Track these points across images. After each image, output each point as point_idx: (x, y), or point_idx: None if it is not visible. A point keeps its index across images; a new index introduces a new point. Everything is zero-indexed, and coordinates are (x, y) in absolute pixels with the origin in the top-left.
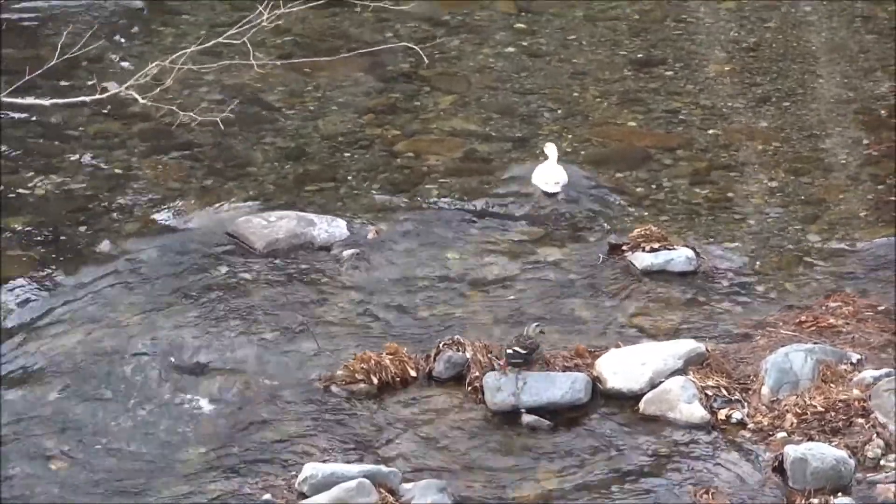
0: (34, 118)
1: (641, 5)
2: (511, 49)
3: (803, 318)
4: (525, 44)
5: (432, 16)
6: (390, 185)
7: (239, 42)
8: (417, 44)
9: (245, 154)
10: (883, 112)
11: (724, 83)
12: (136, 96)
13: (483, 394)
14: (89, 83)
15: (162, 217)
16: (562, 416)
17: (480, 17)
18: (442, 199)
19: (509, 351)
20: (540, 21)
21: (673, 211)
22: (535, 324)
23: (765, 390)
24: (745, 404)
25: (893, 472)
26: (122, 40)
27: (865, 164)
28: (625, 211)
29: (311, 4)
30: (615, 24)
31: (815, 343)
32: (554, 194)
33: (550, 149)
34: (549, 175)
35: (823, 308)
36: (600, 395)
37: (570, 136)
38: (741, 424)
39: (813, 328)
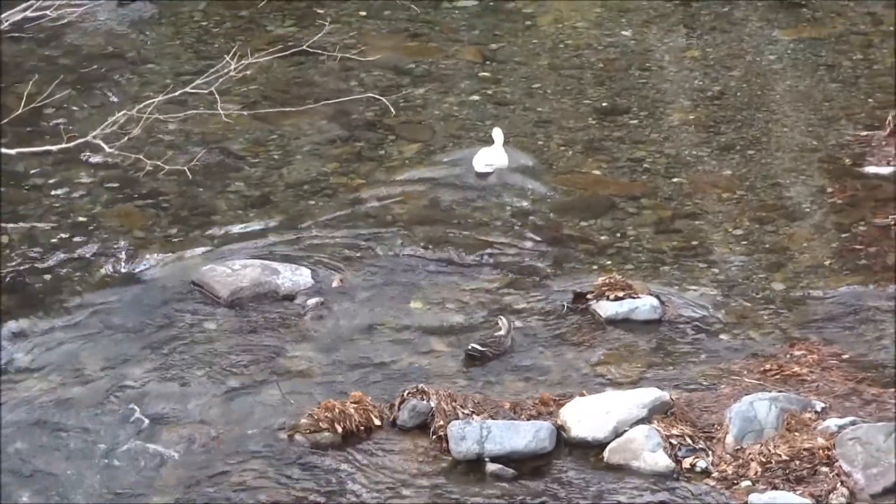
0: None
1: (606, 54)
2: (476, 97)
3: (768, 366)
4: (490, 92)
5: (397, 64)
6: (355, 234)
7: (206, 91)
8: (382, 93)
9: (210, 202)
10: (847, 160)
11: (689, 132)
12: (103, 145)
13: (447, 442)
14: (55, 132)
15: (126, 266)
16: (526, 464)
17: (445, 65)
18: (406, 248)
19: (468, 347)
20: (505, 69)
21: (637, 259)
22: (503, 319)
23: (729, 439)
24: (710, 453)
25: None
26: (87, 89)
27: (830, 212)
28: (589, 259)
29: (276, 56)
30: (580, 72)
31: (779, 391)
32: (485, 175)
33: (497, 133)
34: (487, 157)
35: (788, 356)
36: (565, 444)
37: (533, 185)
38: (706, 473)
39: (777, 376)
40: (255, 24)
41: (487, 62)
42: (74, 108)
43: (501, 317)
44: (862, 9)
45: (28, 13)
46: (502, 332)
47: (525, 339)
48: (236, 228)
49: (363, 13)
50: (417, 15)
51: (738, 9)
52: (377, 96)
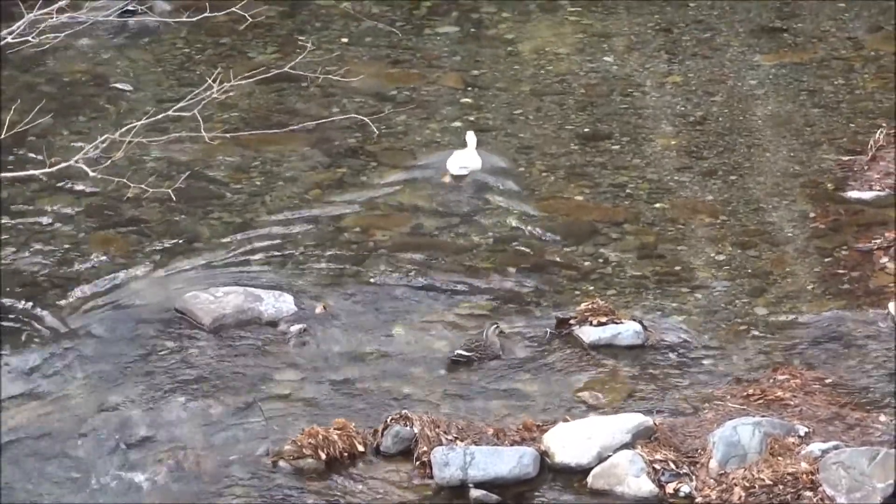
0: None
1: (588, 80)
2: (458, 123)
3: (751, 391)
4: (472, 118)
5: (379, 91)
6: (337, 260)
7: (187, 116)
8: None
9: (192, 229)
10: (829, 185)
11: (671, 157)
12: (87, 169)
13: (431, 468)
14: (38, 159)
15: (109, 293)
16: (510, 490)
17: (427, 91)
18: (389, 274)
19: (454, 353)
20: (486, 95)
21: (620, 285)
22: (493, 325)
23: (713, 464)
24: (694, 478)
25: None
26: (69, 116)
27: (812, 237)
28: (572, 285)
29: (258, 78)
30: (561, 98)
31: (762, 416)
32: (461, 177)
33: (470, 137)
34: (461, 160)
35: (771, 381)
36: (548, 470)
37: (516, 211)
38: (689, 498)
39: (761, 401)
40: (237, 51)
41: (469, 88)
42: (57, 135)
43: (489, 322)
44: (843, 34)
45: (10, 39)
46: (489, 337)
47: (509, 364)
48: (219, 255)
49: (345, 40)
50: (399, 41)
51: (720, 34)
52: (361, 117)
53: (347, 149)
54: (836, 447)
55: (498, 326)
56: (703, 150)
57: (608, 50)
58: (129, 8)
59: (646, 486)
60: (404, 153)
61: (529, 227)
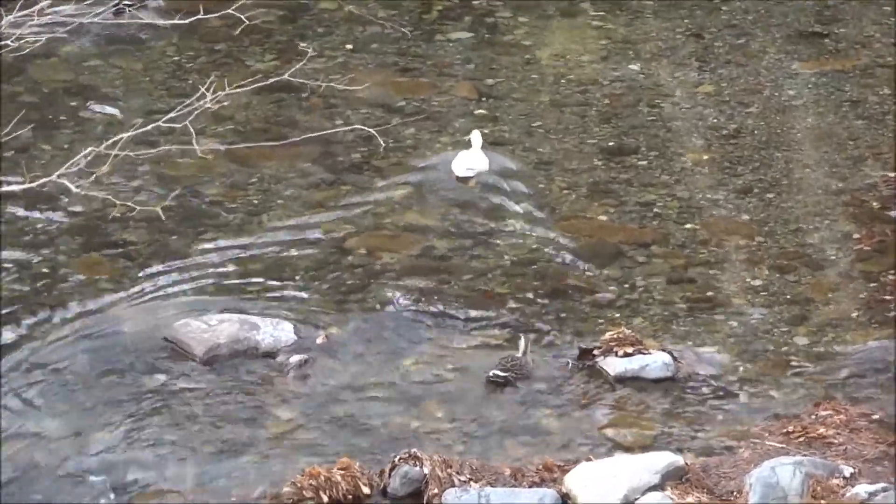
0: None
1: (612, 89)
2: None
3: (791, 428)
4: (486, 131)
5: (385, 101)
6: (341, 286)
7: (178, 127)
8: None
9: (183, 251)
10: (874, 203)
11: (703, 173)
12: (69, 185)
13: None
14: (16, 173)
15: (93, 320)
16: None
17: (438, 102)
18: (397, 300)
19: (490, 374)
20: (502, 106)
21: (648, 312)
22: (522, 339)
23: None
24: None
25: None
26: (51, 128)
27: (856, 260)
28: (596, 312)
29: (255, 87)
30: (584, 109)
31: (803, 455)
32: (466, 179)
33: (475, 136)
34: (467, 161)
35: (813, 417)
36: None
37: (535, 231)
38: None
39: (802, 439)
40: (233, 58)
41: (483, 99)
42: (37, 148)
43: (522, 336)
44: (888, 39)
45: None
46: (519, 354)
47: (527, 399)
48: (212, 279)
49: (349, 46)
50: (408, 48)
51: (755, 40)
52: (367, 129)
53: (352, 164)
54: (884, 489)
55: (527, 340)
56: (737, 166)
57: (634, 57)
58: (126, 2)
59: None
60: (414, 169)
61: (549, 249)
